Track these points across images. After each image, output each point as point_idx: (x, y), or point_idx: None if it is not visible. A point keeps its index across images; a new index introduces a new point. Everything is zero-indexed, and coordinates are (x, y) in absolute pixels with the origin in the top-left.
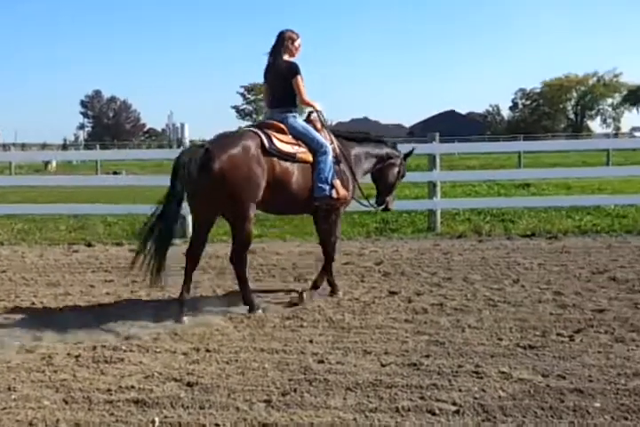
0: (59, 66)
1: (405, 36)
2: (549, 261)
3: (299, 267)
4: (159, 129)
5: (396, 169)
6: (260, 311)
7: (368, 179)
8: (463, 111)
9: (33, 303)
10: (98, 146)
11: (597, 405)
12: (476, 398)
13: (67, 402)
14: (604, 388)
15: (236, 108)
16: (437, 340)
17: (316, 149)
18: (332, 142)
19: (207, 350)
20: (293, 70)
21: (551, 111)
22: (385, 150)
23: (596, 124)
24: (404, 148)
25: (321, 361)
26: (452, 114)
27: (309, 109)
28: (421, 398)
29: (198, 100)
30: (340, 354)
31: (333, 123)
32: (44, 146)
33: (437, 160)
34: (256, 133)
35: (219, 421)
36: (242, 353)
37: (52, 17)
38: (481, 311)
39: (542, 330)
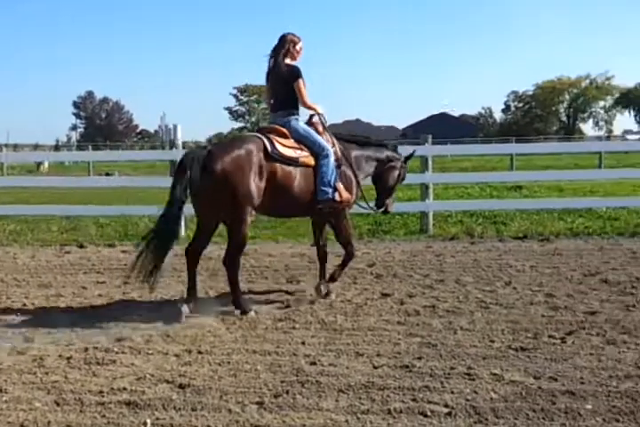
0: (51, 67)
1: (398, 38)
2: (541, 263)
3: (291, 269)
4: (152, 130)
5: (397, 172)
6: (252, 313)
7: (367, 181)
8: (456, 113)
9: (24, 305)
10: (90, 147)
11: (589, 407)
12: (467, 400)
13: (58, 404)
14: (595, 390)
15: (228, 109)
16: (429, 342)
17: (318, 152)
18: (333, 145)
19: (199, 352)
20: (295, 74)
21: (543, 114)
22: (385, 153)
23: (588, 127)
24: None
25: (313, 363)
26: (444, 116)
27: (311, 112)
28: (413, 399)
29: (191, 101)
30: (332, 356)
31: (326, 125)
32: (36, 147)
33: (430, 162)
34: (259, 138)
35: (211, 423)
36: (234, 355)
37: (46, 18)
38: (473, 313)
39: (534, 332)
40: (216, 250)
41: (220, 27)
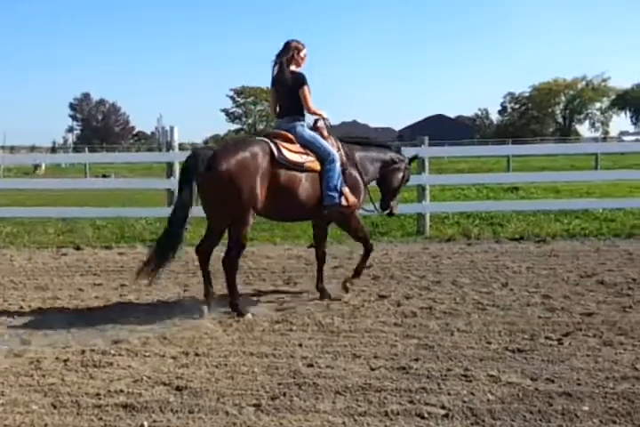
0: (47, 69)
1: (394, 40)
2: (538, 264)
3: (288, 270)
4: (148, 132)
5: (401, 173)
6: (249, 315)
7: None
8: (452, 115)
9: (21, 307)
10: (87, 149)
11: (586, 408)
12: (464, 402)
13: (55, 406)
14: (592, 391)
15: (225, 111)
16: (426, 343)
17: (323, 157)
18: (338, 149)
19: (196, 354)
20: (300, 81)
21: (540, 115)
22: (389, 155)
23: (584, 129)
24: None
25: (310, 365)
26: (440, 118)
27: (316, 117)
28: (410, 401)
29: (188, 103)
30: (329, 358)
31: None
32: (32, 149)
33: (426, 164)
34: (266, 142)
35: (208, 425)
36: (231, 357)
37: (44, 19)
38: (470, 315)
39: (531, 333)
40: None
41: (217, 28)
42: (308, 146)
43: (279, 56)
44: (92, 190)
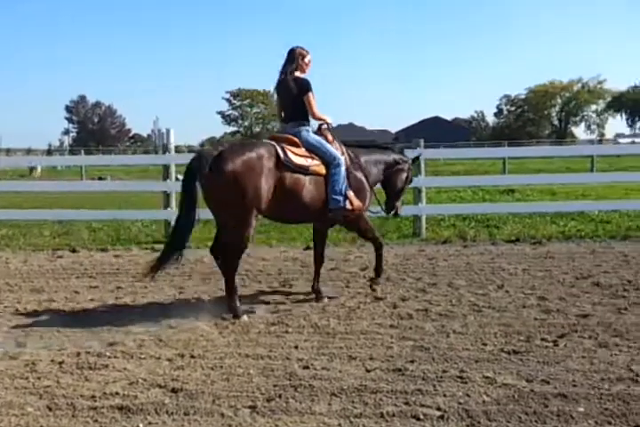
0: (43, 71)
1: (393, 40)
2: (534, 266)
3: (284, 272)
4: (145, 134)
5: (404, 174)
6: (244, 317)
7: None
8: (448, 117)
9: (17, 309)
10: (83, 151)
11: (581, 410)
12: (460, 404)
13: (50, 409)
14: (587, 393)
15: (221, 113)
16: (422, 345)
17: (329, 161)
18: (343, 153)
19: (192, 356)
20: (305, 87)
21: (536, 117)
22: (392, 157)
23: (580, 131)
24: None
25: (306, 367)
26: (437, 120)
27: (320, 122)
28: (406, 403)
29: (184, 105)
30: (325, 360)
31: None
32: (28, 151)
33: (422, 166)
34: (272, 145)
35: None
36: (227, 359)
37: (40, 20)
38: (466, 317)
39: (526, 335)
40: (209, 254)
41: (213, 30)
42: (314, 150)
43: (284, 63)
44: (88, 193)
